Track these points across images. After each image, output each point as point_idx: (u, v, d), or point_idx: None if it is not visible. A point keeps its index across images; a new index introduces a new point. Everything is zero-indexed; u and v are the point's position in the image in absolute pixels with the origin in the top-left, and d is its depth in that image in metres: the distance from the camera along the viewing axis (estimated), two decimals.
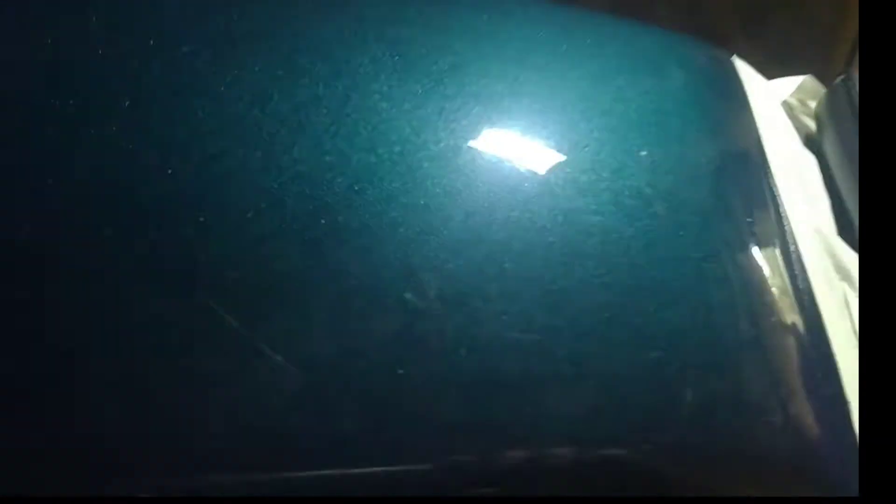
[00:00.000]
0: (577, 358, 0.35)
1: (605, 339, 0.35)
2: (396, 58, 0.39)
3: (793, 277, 0.40)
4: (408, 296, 0.33)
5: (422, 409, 0.33)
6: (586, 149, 0.39)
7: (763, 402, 0.37)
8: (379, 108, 0.37)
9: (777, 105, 0.50)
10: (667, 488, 0.35)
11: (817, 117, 0.52)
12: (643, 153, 0.40)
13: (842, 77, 0.50)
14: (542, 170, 0.37)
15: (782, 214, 0.42)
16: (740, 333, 0.37)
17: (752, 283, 0.39)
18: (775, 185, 0.43)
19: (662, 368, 0.35)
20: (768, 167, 0.44)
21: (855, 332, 0.41)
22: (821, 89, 0.51)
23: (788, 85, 0.51)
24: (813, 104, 0.51)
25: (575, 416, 0.34)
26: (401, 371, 0.32)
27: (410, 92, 0.38)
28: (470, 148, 0.37)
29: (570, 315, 0.35)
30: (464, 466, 0.33)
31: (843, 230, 0.46)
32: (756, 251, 0.40)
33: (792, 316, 0.39)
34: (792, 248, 0.41)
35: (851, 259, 0.45)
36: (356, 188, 0.34)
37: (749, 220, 0.41)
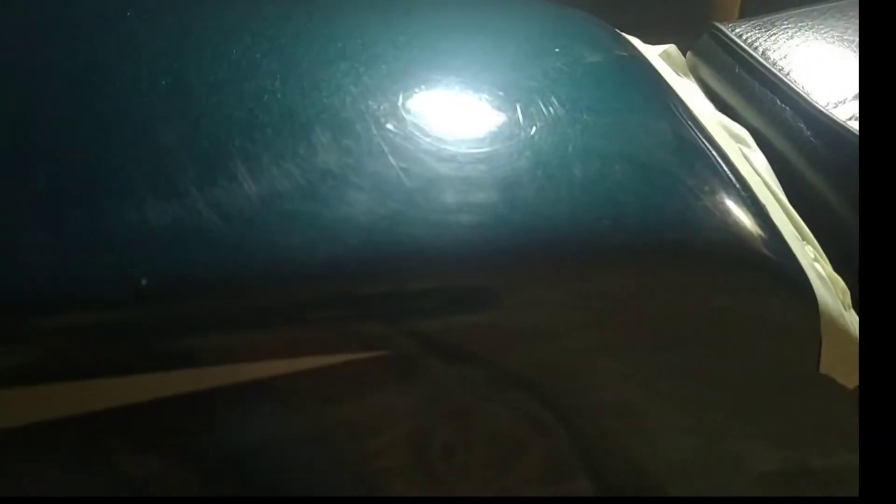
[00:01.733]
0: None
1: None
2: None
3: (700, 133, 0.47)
4: None
5: None
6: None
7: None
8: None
9: (656, 57, 0.57)
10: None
11: (691, 60, 0.61)
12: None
13: (709, 30, 0.57)
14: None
15: (682, 103, 0.50)
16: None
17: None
18: (676, 93, 0.51)
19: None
20: (669, 86, 0.52)
21: (756, 173, 0.48)
22: (680, 55, 0.61)
23: (656, 50, 0.58)
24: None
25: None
26: None
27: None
28: None
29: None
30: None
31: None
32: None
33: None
34: (692, 121, 0.48)
35: (741, 129, 0.52)
36: None
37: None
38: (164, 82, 0.38)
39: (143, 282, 0.31)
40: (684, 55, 0.62)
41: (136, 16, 0.43)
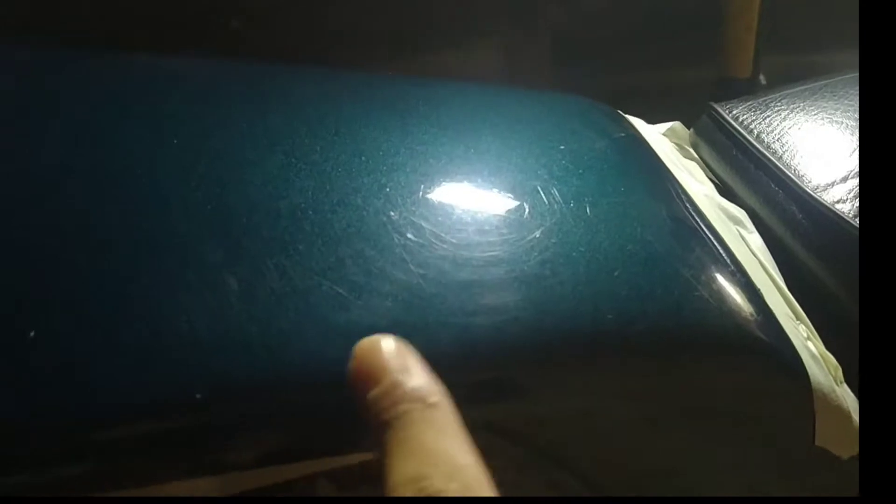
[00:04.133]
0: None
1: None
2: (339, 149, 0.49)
3: (698, 217, 0.52)
4: None
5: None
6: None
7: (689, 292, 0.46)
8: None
9: (660, 137, 0.61)
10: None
11: (693, 138, 0.64)
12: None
13: (707, 110, 0.61)
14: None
15: (681, 186, 0.54)
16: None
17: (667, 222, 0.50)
18: (674, 177, 0.56)
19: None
20: (668, 170, 0.57)
21: (753, 254, 0.52)
22: (686, 132, 0.63)
23: (661, 129, 0.62)
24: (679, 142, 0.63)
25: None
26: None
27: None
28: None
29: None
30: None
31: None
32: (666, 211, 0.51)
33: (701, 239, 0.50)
34: (690, 205, 0.53)
35: (739, 210, 0.56)
36: None
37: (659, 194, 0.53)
38: (208, 206, 0.43)
39: (198, 395, 0.36)
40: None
41: (178, 138, 0.48)
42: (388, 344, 0.32)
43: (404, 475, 0.27)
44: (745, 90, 0.94)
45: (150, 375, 0.36)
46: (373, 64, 1.27)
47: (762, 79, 1.18)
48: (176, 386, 0.36)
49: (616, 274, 0.45)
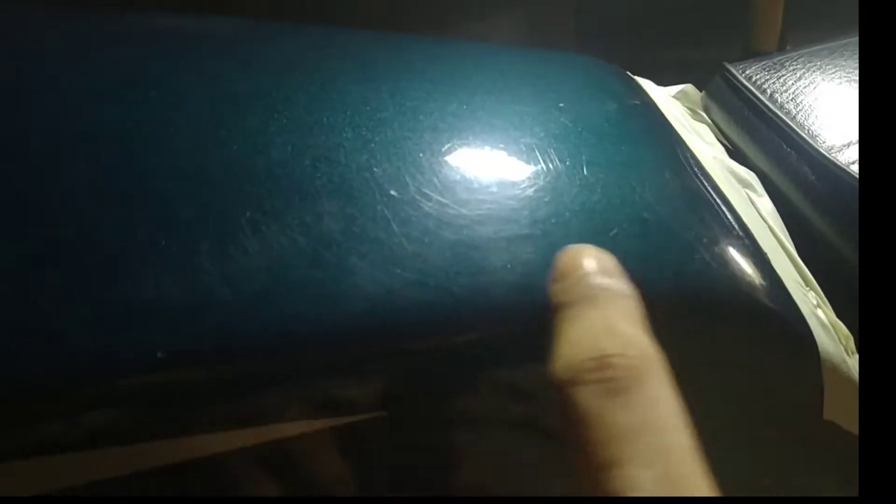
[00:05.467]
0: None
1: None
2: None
3: (704, 179, 0.48)
4: None
5: None
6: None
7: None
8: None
9: (670, 100, 0.58)
10: None
11: (704, 100, 0.62)
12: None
13: (720, 71, 0.58)
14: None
15: (689, 148, 0.51)
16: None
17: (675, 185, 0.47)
18: (681, 138, 0.53)
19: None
20: (675, 131, 0.54)
21: (762, 219, 0.49)
22: (697, 95, 0.61)
23: (672, 91, 0.60)
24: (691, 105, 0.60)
25: None
26: None
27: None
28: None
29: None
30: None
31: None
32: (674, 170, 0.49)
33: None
34: (696, 167, 0.50)
35: (748, 173, 0.53)
36: None
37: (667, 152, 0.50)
38: (181, 162, 0.41)
39: (159, 354, 0.34)
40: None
41: (158, 93, 0.46)
42: (589, 250, 0.28)
43: (577, 347, 0.23)
44: None
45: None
46: None
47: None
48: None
49: (612, 234, 0.42)
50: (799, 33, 1.22)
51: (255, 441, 0.37)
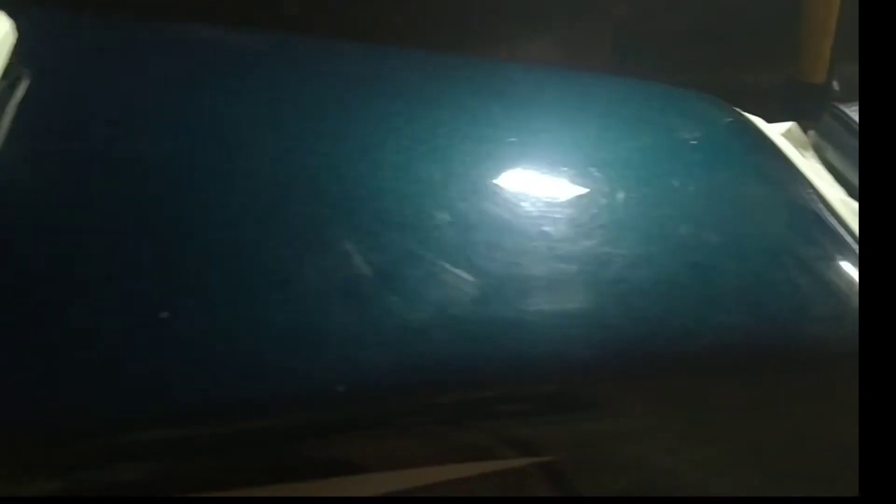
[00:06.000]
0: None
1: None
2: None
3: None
4: None
5: None
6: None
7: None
8: None
9: (782, 139, 0.58)
10: None
11: (815, 140, 0.61)
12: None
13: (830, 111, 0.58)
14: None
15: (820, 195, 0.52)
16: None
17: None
18: (808, 178, 0.53)
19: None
20: (803, 174, 0.54)
21: None
22: (802, 134, 0.62)
23: (779, 128, 0.60)
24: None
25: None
26: None
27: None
28: None
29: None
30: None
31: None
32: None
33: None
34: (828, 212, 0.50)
35: None
36: None
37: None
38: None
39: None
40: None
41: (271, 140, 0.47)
42: None
43: None
44: (818, 95, 0.91)
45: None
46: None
47: (835, 84, 1.13)
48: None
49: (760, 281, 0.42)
50: (848, 66, 1.22)
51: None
